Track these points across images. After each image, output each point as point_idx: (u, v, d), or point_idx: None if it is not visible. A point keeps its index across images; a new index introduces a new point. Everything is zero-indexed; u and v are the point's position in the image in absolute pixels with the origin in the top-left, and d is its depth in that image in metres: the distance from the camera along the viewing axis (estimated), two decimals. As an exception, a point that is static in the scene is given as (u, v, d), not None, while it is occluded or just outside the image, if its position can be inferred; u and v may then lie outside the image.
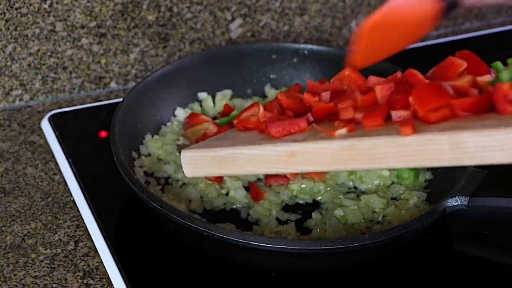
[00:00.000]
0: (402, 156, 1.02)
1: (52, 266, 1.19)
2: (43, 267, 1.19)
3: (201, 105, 1.42)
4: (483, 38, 1.73)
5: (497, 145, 0.96)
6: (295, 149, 1.09)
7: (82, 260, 1.20)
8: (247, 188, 1.29)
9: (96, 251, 1.21)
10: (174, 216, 1.14)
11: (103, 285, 1.17)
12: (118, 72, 1.54)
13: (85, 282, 1.17)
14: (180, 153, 1.19)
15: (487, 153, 0.97)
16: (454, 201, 1.16)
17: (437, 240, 1.24)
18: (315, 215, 1.25)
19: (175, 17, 1.53)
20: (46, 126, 1.42)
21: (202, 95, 1.43)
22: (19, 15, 1.44)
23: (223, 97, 1.43)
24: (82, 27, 1.48)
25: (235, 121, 1.23)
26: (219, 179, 1.28)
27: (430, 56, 1.67)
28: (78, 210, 1.27)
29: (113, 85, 1.55)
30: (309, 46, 1.45)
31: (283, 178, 1.29)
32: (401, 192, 1.29)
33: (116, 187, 1.26)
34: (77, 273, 1.18)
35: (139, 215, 1.25)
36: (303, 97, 1.20)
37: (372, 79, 1.18)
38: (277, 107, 1.21)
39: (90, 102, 1.51)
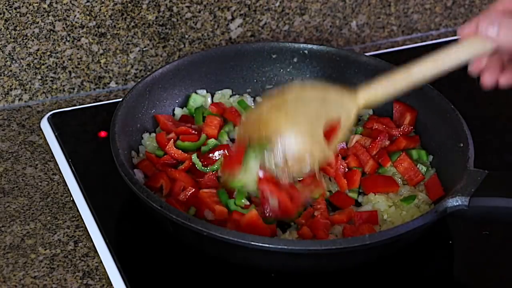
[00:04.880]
0: None
1: (52, 266, 1.19)
2: (42, 268, 1.19)
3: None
4: (483, 38, 1.73)
5: None
6: None
7: (82, 260, 1.20)
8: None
9: (96, 251, 1.21)
10: (174, 216, 1.13)
11: (103, 285, 1.17)
12: (117, 72, 1.54)
13: (84, 282, 1.17)
14: None
15: None
16: (455, 201, 1.16)
17: (437, 240, 1.24)
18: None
19: (175, 16, 1.53)
20: (45, 126, 1.42)
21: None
22: (18, 15, 1.44)
23: (222, 96, 1.43)
24: (82, 26, 1.48)
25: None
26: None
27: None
28: (77, 210, 1.27)
29: (112, 85, 1.55)
30: (309, 46, 1.45)
31: None
32: (406, 192, 1.28)
33: (116, 187, 1.26)
34: (77, 274, 1.18)
35: (138, 215, 1.25)
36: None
37: None
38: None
39: (90, 102, 1.51)
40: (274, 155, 1.16)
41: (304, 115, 1.16)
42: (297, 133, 1.16)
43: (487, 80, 1.13)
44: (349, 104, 1.14)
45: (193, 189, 1.23)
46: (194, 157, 1.28)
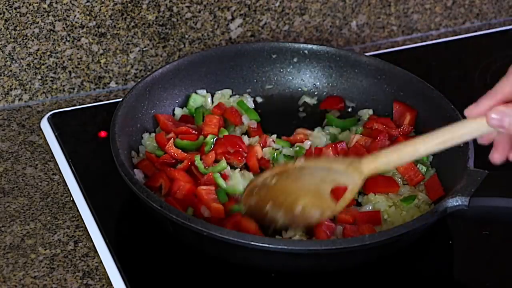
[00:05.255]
0: None
1: (52, 266, 1.19)
2: (42, 268, 1.19)
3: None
4: (483, 38, 1.73)
5: None
6: None
7: (82, 260, 1.20)
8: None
9: (96, 251, 1.21)
10: (174, 216, 1.13)
11: (103, 285, 1.17)
12: (117, 72, 1.54)
13: (84, 282, 1.17)
14: None
15: None
16: (455, 201, 1.16)
17: (437, 240, 1.24)
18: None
19: (175, 16, 1.53)
20: (45, 126, 1.42)
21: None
22: (18, 15, 1.44)
23: (222, 96, 1.43)
24: (82, 26, 1.48)
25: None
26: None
27: (430, 56, 1.68)
28: (77, 210, 1.27)
29: (112, 85, 1.55)
30: (309, 46, 1.45)
31: None
32: (406, 192, 1.28)
33: (116, 187, 1.26)
34: (77, 274, 1.18)
35: (139, 215, 1.25)
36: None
37: None
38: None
39: (90, 102, 1.51)
40: (283, 213, 1.21)
41: (311, 180, 1.20)
42: (305, 193, 1.21)
43: (496, 158, 1.13)
44: (354, 174, 1.17)
45: (189, 185, 1.23)
46: (197, 159, 1.28)
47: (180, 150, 1.30)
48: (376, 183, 1.28)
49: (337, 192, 1.19)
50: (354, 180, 1.17)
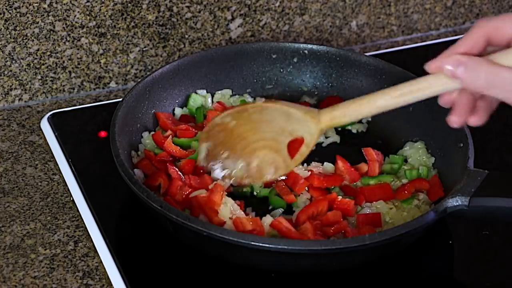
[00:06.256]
0: None
1: (52, 266, 1.19)
2: (42, 268, 1.19)
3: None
4: (483, 38, 1.73)
5: None
6: None
7: (82, 260, 1.20)
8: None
9: (96, 251, 1.21)
10: (174, 216, 1.13)
11: (103, 285, 1.17)
12: (117, 72, 1.54)
13: (84, 282, 1.17)
14: None
15: None
16: (455, 201, 1.16)
17: (437, 240, 1.24)
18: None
19: (175, 16, 1.53)
20: (45, 126, 1.42)
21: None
22: (18, 15, 1.44)
23: (222, 96, 1.43)
24: (82, 26, 1.48)
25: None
26: None
27: (430, 56, 1.67)
28: (77, 210, 1.27)
29: (112, 85, 1.55)
30: (309, 46, 1.45)
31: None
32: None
33: (116, 187, 1.26)
34: (77, 274, 1.18)
35: (139, 215, 1.25)
36: None
37: None
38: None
39: (90, 102, 1.51)
40: (236, 165, 1.21)
41: (269, 129, 1.18)
42: (262, 146, 1.19)
43: (454, 121, 1.08)
44: (312, 125, 1.15)
45: (190, 190, 1.23)
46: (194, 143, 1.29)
47: (179, 147, 1.30)
48: (371, 192, 1.26)
49: (294, 147, 1.16)
50: (311, 131, 1.15)
